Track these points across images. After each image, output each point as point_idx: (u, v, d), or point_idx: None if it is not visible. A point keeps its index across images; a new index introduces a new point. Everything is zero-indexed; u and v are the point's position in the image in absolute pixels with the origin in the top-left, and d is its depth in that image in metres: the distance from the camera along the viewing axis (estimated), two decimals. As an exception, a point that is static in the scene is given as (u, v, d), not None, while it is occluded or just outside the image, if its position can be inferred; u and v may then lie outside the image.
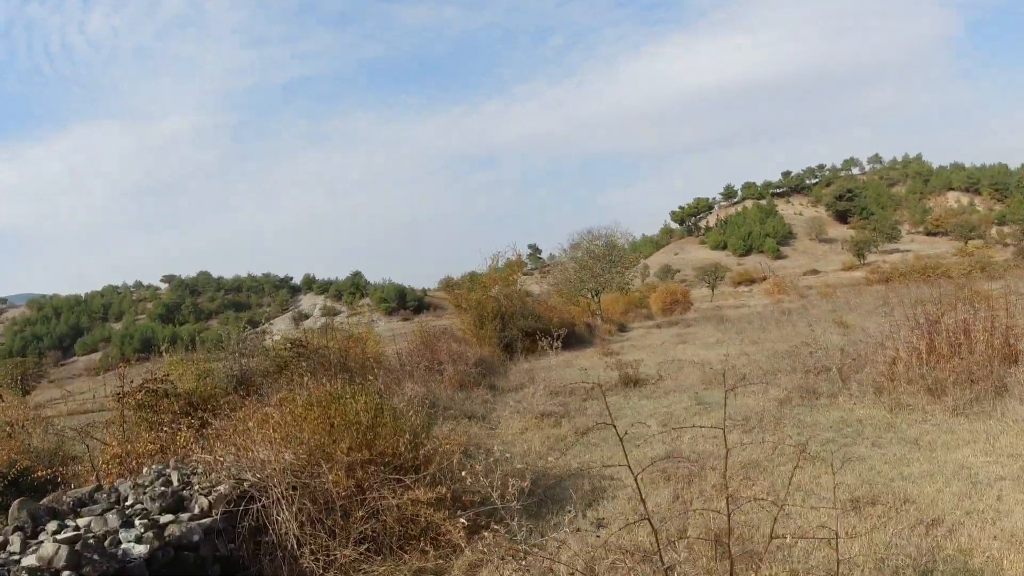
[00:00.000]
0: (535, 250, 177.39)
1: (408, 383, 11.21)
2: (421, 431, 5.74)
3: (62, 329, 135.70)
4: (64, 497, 4.78)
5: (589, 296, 36.48)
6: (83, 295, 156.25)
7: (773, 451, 8.04)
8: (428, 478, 5.15)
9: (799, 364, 13.56)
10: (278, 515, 4.69)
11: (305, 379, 6.55)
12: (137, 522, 4.41)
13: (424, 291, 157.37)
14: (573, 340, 27.11)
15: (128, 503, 4.82)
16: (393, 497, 4.91)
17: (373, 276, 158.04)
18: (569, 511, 5.99)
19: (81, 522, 4.47)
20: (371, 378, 8.08)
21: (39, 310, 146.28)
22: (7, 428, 8.20)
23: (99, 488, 5.07)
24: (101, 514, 4.53)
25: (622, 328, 36.04)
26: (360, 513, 4.82)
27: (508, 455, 8.55)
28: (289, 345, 15.89)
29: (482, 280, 25.68)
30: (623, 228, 41.29)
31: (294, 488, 4.81)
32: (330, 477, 4.87)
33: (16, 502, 4.45)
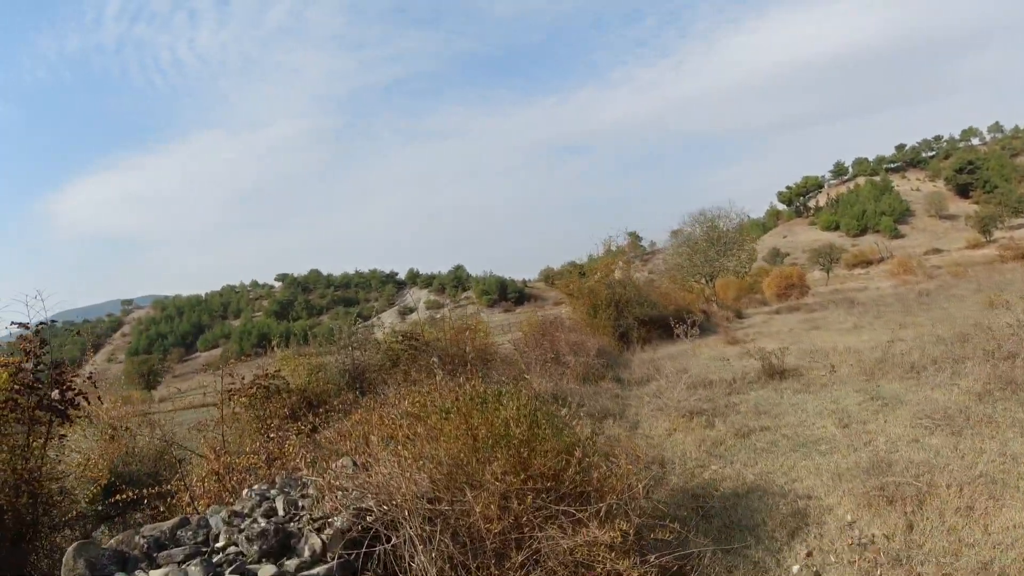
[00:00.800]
0: (635, 237, 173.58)
1: (534, 377, 10.01)
2: (591, 447, 4.42)
3: (184, 327, 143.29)
4: (137, 538, 3.75)
5: (703, 281, 34.42)
6: (203, 295, 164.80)
7: (1004, 459, 6.38)
8: (603, 510, 3.87)
9: (977, 349, 11.58)
10: (412, 560, 3.54)
11: (439, 378, 5.34)
12: (228, 574, 3.37)
13: (524, 282, 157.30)
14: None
15: (219, 544, 3.77)
16: (563, 537, 3.66)
17: (474, 268, 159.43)
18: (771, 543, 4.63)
19: (155, 575, 3.47)
20: (526, 376, 6.84)
21: (163, 310, 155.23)
22: (109, 430, 7.53)
23: (185, 522, 4.03)
24: (183, 562, 3.50)
25: (739, 315, 33.87)
26: (518, 558, 3.62)
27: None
28: (401, 338, 15.12)
29: (594, 267, 24.34)
30: (738, 208, 38.71)
31: (431, 521, 3.65)
32: (477, 509, 3.68)
33: (72, 548, 3.46)
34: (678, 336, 16.83)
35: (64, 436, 6.69)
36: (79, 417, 6.84)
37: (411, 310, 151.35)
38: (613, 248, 25.52)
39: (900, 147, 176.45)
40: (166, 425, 8.95)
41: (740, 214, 37.99)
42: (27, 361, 6.30)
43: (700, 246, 34.28)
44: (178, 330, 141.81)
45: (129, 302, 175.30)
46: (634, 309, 22.08)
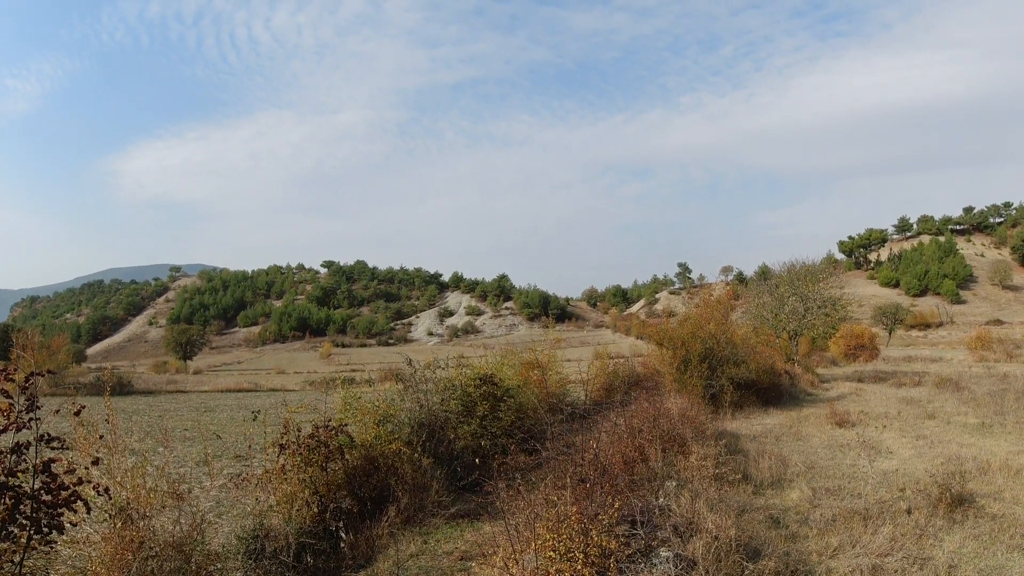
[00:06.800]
0: (685, 268, 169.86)
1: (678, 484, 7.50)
2: None
3: (227, 301, 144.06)
4: None
5: (786, 337, 31.56)
6: (250, 271, 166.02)
7: None
8: None
9: None
10: None
11: None
12: None
13: (567, 299, 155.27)
14: (774, 393, 22.58)
15: None
16: None
17: (518, 279, 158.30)
18: None
19: None
20: None
21: (208, 281, 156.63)
22: (121, 514, 5.25)
23: None
24: None
25: (819, 377, 30.92)
26: None
27: None
28: (478, 382, 12.89)
29: (693, 316, 21.73)
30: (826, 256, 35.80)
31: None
32: None
33: None
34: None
35: (53, 543, 4.41)
36: (73, 522, 4.57)
37: (450, 313, 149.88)
38: (715, 289, 22.89)
39: (968, 209, 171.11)
40: (196, 498, 6.59)
41: (834, 271, 35.15)
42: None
43: (786, 299, 31.54)
44: (221, 303, 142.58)
45: (177, 269, 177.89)
46: (729, 369, 19.39)
